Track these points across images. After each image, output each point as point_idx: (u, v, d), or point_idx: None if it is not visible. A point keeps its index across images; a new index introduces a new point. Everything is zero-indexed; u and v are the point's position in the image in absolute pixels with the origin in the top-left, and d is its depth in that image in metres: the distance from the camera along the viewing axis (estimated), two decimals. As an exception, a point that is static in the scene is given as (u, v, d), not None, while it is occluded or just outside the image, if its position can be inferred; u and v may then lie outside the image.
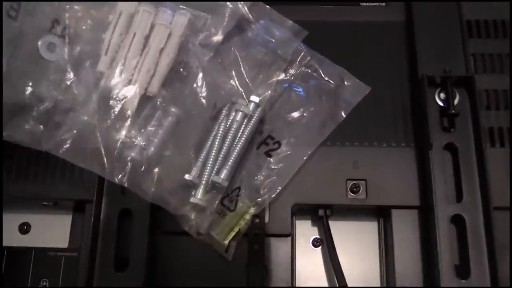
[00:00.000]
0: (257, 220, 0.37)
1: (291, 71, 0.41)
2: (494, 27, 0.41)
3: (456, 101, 0.38)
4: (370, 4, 0.43)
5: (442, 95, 0.38)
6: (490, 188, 0.35)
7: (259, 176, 0.38)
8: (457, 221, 0.35)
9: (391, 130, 0.39)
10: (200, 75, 0.38)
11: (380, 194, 0.37)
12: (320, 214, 0.38)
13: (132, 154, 0.36)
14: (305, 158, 0.38)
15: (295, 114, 0.40)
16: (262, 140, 0.39)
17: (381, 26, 0.42)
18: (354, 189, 0.38)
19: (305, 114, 0.40)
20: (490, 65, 0.40)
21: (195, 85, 0.38)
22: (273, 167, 0.38)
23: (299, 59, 0.41)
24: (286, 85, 0.40)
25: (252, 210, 0.37)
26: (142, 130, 0.37)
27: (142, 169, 0.36)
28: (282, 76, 0.40)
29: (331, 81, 0.40)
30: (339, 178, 0.38)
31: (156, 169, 0.36)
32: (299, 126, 0.39)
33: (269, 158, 0.38)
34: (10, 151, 0.39)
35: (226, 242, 0.37)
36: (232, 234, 0.37)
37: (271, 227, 0.37)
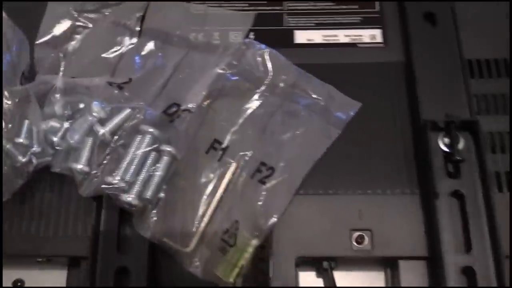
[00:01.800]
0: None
1: (279, 93, 0.40)
2: (495, 66, 0.41)
3: (461, 146, 0.37)
4: (368, 45, 0.42)
5: (446, 140, 0.37)
6: (500, 237, 0.34)
7: (256, 206, 0.37)
8: (468, 272, 0.34)
9: (395, 177, 0.38)
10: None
11: (386, 245, 0.36)
12: (325, 266, 0.36)
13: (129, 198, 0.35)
14: (300, 180, 0.37)
15: (287, 137, 0.39)
16: (255, 169, 0.38)
17: (380, 67, 0.41)
18: (359, 240, 0.36)
19: (297, 135, 0.38)
20: (494, 106, 0.39)
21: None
22: (268, 194, 0.37)
23: (286, 79, 0.40)
24: (274, 108, 0.39)
25: (254, 242, 0.36)
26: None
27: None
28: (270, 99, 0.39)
29: (320, 99, 0.40)
30: (343, 229, 0.36)
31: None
32: (292, 149, 0.38)
33: (264, 185, 0.37)
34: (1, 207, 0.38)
35: (232, 280, 0.35)
36: (236, 270, 0.35)
37: (275, 281, 0.36)
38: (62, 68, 0.42)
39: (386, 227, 0.36)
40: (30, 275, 0.39)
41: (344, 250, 0.36)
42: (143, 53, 0.43)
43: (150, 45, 0.43)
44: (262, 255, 0.36)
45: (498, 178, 0.37)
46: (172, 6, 0.44)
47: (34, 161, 0.37)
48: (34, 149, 0.37)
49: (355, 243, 0.36)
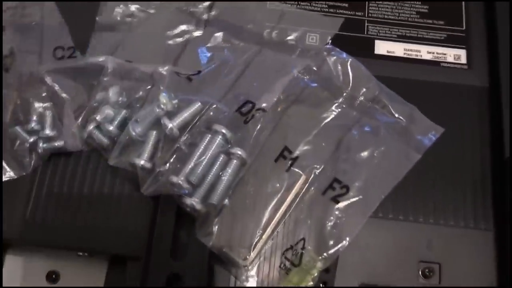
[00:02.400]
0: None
1: (358, 107, 0.37)
2: None
3: (543, 186, 0.35)
4: (452, 65, 0.40)
5: (528, 178, 0.35)
6: None
7: (326, 226, 0.34)
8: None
9: (469, 210, 0.36)
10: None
11: (455, 282, 0.34)
12: (387, 296, 0.35)
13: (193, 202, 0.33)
14: (377, 204, 0.35)
15: (364, 155, 0.36)
16: (328, 185, 0.35)
17: (463, 89, 0.39)
18: (427, 273, 0.34)
19: (375, 155, 0.36)
20: None
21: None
22: (341, 215, 0.34)
23: (366, 93, 0.38)
24: (352, 122, 0.37)
25: (319, 265, 0.33)
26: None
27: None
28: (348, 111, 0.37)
29: (402, 119, 0.37)
30: (410, 259, 0.34)
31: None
32: (369, 168, 0.36)
33: (336, 204, 0.35)
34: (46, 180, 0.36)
35: None
36: None
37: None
38: (116, 52, 0.40)
39: (457, 263, 0.34)
40: (67, 268, 0.37)
41: (410, 282, 0.34)
42: (209, 44, 0.40)
43: (218, 37, 0.40)
44: (324, 278, 0.34)
45: None
46: (245, -3, 0.41)
47: (42, 144, 0.36)
48: (46, 132, 0.36)
49: (422, 276, 0.34)
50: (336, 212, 0.34)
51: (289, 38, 0.40)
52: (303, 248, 0.34)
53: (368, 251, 0.35)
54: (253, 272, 0.34)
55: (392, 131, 0.37)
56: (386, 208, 0.36)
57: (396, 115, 0.37)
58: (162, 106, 0.34)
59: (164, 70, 0.37)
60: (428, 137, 0.37)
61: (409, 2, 0.42)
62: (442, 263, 0.34)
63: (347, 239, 0.34)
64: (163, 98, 0.35)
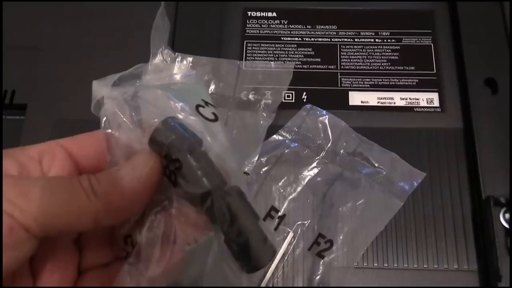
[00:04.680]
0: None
1: (339, 161, 0.39)
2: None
3: (522, 222, 0.36)
4: (425, 109, 0.41)
5: (507, 216, 0.36)
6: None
7: (314, 281, 0.36)
8: None
9: (452, 252, 0.37)
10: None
11: (444, 325, 0.35)
12: None
13: None
14: (360, 254, 0.36)
15: (347, 208, 0.38)
16: (313, 240, 0.37)
17: (438, 133, 0.40)
18: (415, 319, 0.36)
19: (357, 206, 0.38)
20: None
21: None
22: (327, 269, 0.36)
23: (346, 146, 0.39)
24: (334, 176, 0.39)
25: None
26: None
27: None
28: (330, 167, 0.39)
29: (382, 168, 0.39)
30: (398, 306, 0.36)
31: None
32: (351, 220, 0.37)
33: (322, 259, 0.37)
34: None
35: None
36: None
37: None
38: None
39: (443, 306, 0.36)
40: None
41: (399, 328, 0.35)
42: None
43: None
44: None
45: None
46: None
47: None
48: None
49: (410, 321, 0.36)
50: (322, 267, 0.36)
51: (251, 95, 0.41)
52: None
53: (355, 300, 0.36)
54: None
55: (373, 181, 0.38)
56: (371, 257, 0.37)
57: (376, 165, 0.39)
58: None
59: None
60: (410, 183, 0.38)
61: (379, 51, 0.43)
62: (429, 307, 0.36)
63: None
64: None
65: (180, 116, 0.26)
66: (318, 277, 0.36)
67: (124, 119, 0.26)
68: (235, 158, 0.27)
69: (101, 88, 0.27)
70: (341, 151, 0.39)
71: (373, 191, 0.38)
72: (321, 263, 0.36)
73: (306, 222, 0.38)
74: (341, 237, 0.37)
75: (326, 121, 0.40)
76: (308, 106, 0.40)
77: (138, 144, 0.26)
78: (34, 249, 0.23)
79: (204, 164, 0.25)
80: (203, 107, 0.28)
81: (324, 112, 0.40)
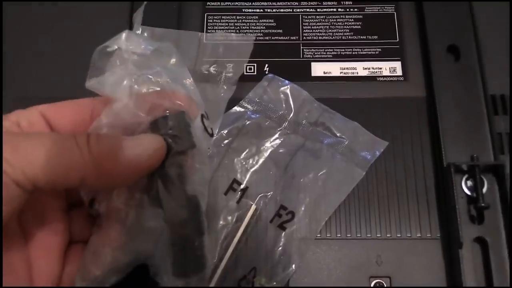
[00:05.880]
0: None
1: (302, 131, 0.38)
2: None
3: (484, 189, 0.36)
4: (388, 79, 0.40)
5: (469, 183, 0.36)
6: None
7: (275, 252, 0.36)
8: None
9: (415, 221, 0.37)
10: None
11: (407, 292, 0.35)
12: (342, 314, 0.36)
13: None
14: (321, 225, 0.36)
15: (308, 179, 0.37)
16: (275, 213, 0.37)
17: (401, 102, 0.40)
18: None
19: (319, 177, 0.37)
20: (519, 143, 0.38)
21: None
22: (288, 240, 0.36)
23: (308, 116, 0.39)
24: (296, 147, 0.38)
25: None
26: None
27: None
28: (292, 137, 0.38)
29: (344, 137, 0.38)
30: (361, 276, 0.35)
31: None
32: (313, 191, 0.37)
33: (283, 231, 0.36)
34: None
35: None
36: None
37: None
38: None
39: (406, 274, 0.35)
40: None
41: (363, 298, 0.35)
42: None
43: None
44: (279, 302, 0.35)
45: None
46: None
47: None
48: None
49: (374, 291, 0.35)
50: (283, 239, 0.36)
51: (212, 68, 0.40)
52: (254, 276, 0.35)
53: (319, 272, 0.36)
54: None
55: (335, 151, 0.38)
56: (334, 228, 0.37)
57: (338, 135, 0.38)
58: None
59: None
60: (372, 152, 0.38)
61: (342, 20, 0.42)
62: (392, 276, 0.35)
63: (295, 264, 0.35)
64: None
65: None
66: (279, 248, 0.35)
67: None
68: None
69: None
70: (303, 121, 0.39)
71: (335, 161, 0.37)
72: (282, 234, 0.36)
73: (268, 194, 0.37)
74: (302, 208, 0.36)
75: (288, 91, 0.39)
76: (270, 76, 0.40)
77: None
78: (23, 203, 0.23)
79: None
80: (206, 119, 0.29)
81: (286, 81, 0.39)
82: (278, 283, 0.35)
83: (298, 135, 0.38)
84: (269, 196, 0.37)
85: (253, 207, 0.37)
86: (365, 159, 0.38)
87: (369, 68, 0.41)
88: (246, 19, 0.43)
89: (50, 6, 0.44)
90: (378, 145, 0.38)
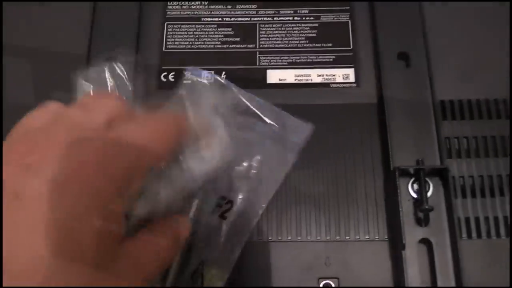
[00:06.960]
0: None
1: (230, 121, 0.39)
2: (468, 108, 0.40)
3: (429, 193, 0.37)
4: (341, 85, 0.42)
5: (416, 186, 0.37)
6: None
7: (218, 241, 0.37)
8: (433, 323, 0.34)
9: (364, 223, 0.38)
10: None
11: (354, 292, 0.36)
12: (291, 314, 0.37)
13: None
14: (261, 211, 0.37)
15: (242, 168, 0.38)
16: (215, 204, 0.38)
17: (353, 108, 0.41)
18: (326, 288, 0.37)
19: (252, 165, 0.38)
20: (466, 149, 0.39)
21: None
22: (230, 228, 0.37)
23: (236, 105, 0.39)
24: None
25: (220, 283, 0.36)
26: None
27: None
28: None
29: (274, 124, 0.39)
30: (310, 277, 0.37)
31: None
32: (248, 179, 0.38)
33: (224, 220, 0.37)
34: None
35: None
36: None
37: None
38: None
39: (354, 275, 0.36)
40: None
41: (311, 299, 0.36)
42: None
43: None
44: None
45: (468, 224, 0.37)
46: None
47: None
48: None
49: (322, 292, 0.37)
50: (225, 227, 0.37)
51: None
52: (203, 269, 0.36)
53: (268, 274, 0.37)
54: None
55: (265, 138, 0.39)
56: (285, 231, 0.38)
57: (268, 122, 0.39)
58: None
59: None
60: (300, 136, 0.39)
61: (298, 29, 0.44)
62: (341, 277, 0.37)
63: (238, 250, 0.36)
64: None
65: None
66: (223, 238, 0.37)
67: None
68: None
69: None
70: (233, 111, 0.39)
71: (266, 147, 0.38)
72: (223, 223, 0.37)
73: (210, 187, 0.38)
74: (240, 197, 0.37)
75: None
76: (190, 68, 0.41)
77: None
78: None
79: None
80: None
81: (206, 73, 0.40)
82: (225, 271, 0.36)
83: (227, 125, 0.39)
84: (209, 189, 0.38)
85: (196, 201, 0.38)
86: (295, 143, 0.39)
87: (323, 75, 0.42)
88: (205, 27, 0.44)
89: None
90: (305, 129, 0.39)
